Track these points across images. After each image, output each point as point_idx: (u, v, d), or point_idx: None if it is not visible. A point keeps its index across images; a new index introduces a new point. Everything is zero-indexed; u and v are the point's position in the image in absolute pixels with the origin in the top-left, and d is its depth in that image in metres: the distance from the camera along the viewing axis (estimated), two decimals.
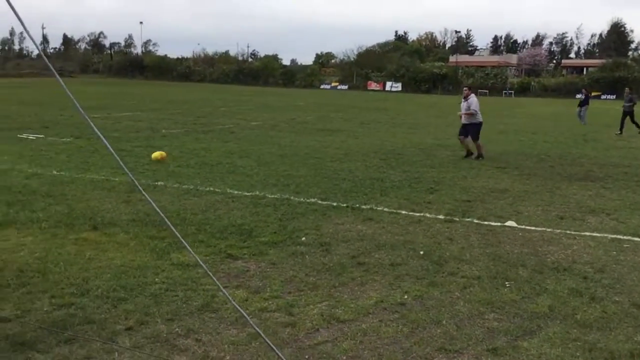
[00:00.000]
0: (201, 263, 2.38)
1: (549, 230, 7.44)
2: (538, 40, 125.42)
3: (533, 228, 7.51)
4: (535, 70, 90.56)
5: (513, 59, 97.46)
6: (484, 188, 10.14)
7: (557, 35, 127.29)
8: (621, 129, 21.84)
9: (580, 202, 9.23)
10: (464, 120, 13.84)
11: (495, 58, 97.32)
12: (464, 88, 14.44)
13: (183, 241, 2.42)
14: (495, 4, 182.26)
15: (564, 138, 20.01)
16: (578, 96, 28.17)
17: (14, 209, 7.53)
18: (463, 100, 14.08)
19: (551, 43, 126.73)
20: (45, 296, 4.77)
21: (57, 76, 2.27)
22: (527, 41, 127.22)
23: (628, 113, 22.72)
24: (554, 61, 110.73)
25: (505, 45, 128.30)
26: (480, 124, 13.84)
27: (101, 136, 2.15)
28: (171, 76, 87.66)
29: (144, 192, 2.29)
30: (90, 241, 6.31)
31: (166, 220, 2.41)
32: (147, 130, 18.09)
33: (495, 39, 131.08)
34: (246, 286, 5.19)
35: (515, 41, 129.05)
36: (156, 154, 12.03)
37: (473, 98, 13.86)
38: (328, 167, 12.04)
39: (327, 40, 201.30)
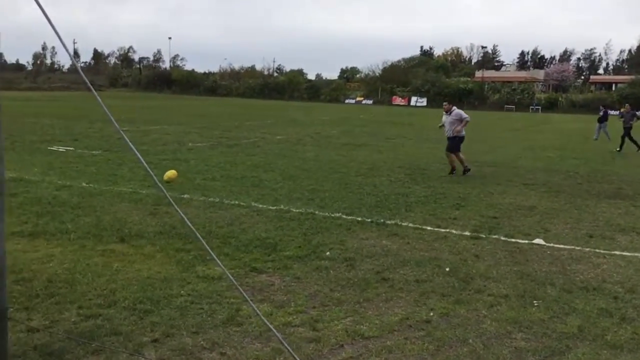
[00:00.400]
0: (229, 276, 2.39)
1: (577, 248, 7.30)
2: (566, 55, 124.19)
3: (561, 246, 7.38)
4: (562, 86, 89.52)
5: (540, 74, 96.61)
6: (511, 205, 10.02)
7: (586, 50, 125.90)
8: (621, 147, 21.46)
9: (610, 220, 9.05)
10: (449, 134, 13.58)
11: (522, 73, 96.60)
12: (444, 103, 14.36)
13: (213, 255, 2.44)
14: (523, 19, 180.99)
15: (592, 154, 19.69)
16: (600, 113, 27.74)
17: (43, 220, 7.67)
18: (445, 114, 13.86)
19: (579, 59, 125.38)
20: (73, 307, 4.83)
21: (94, 91, 2.33)
22: (554, 57, 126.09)
23: (628, 129, 22.20)
24: (582, 77, 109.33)
25: (532, 60, 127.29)
26: (463, 137, 13.71)
27: (134, 150, 2.19)
28: (198, 90, 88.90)
29: (175, 206, 2.32)
30: (117, 253, 6.39)
31: (196, 233, 2.44)
32: (174, 144, 18.31)
33: (522, 54, 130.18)
34: (270, 300, 5.20)
35: (543, 57, 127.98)
36: (169, 174, 10.90)
37: (458, 110, 13.79)
38: (353, 181, 12.03)
39: (352, 55, 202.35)
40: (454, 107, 13.81)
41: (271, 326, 2.51)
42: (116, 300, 4.99)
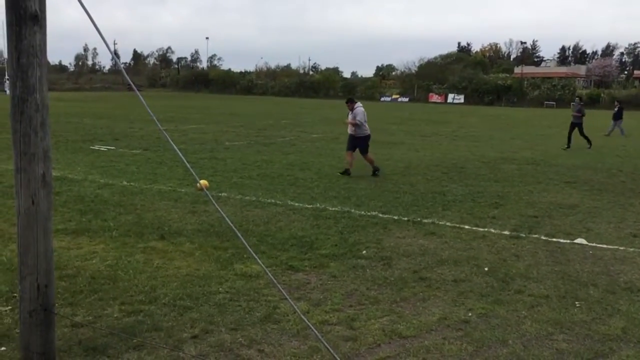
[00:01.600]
0: (267, 273, 2.42)
1: (621, 248, 7.11)
2: (608, 50, 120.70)
3: (604, 246, 7.20)
4: (605, 82, 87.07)
5: (582, 70, 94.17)
6: (552, 203, 9.81)
7: (629, 45, 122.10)
8: (569, 143, 19.92)
9: None
10: (350, 131, 12.86)
11: (563, 69, 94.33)
12: (347, 102, 13.22)
13: (252, 253, 2.46)
14: (563, 14, 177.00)
15: (636, 152, 19.11)
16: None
17: (86, 218, 7.88)
18: (350, 113, 12.92)
19: (622, 53, 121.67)
20: (115, 303, 4.95)
21: (136, 91, 2.38)
22: (596, 51, 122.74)
23: (576, 125, 20.55)
24: (626, 72, 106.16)
25: (573, 56, 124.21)
26: (367, 137, 12.86)
27: (176, 149, 2.23)
28: (234, 90, 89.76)
29: (216, 205, 2.36)
30: (158, 250, 6.52)
31: (236, 230, 2.47)
32: (212, 143, 18.55)
33: (563, 49, 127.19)
34: (307, 298, 5.22)
35: (584, 52, 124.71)
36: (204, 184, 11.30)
37: (359, 109, 12.78)
38: (389, 180, 11.97)
39: (388, 52, 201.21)
40: (357, 105, 12.84)
41: (309, 323, 2.53)
42: (157, 297, 5.09)
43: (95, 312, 4.77)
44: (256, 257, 2.55)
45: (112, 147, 16.34)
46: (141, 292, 5.21)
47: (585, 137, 20.34)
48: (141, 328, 4.45)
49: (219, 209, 2.39)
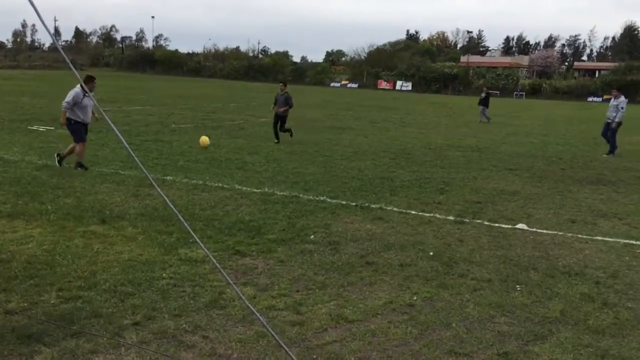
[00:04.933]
0: (212, 258, 2.34)
1: (560, 233, 7.35)
2: (550, 42, 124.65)
3: (544, 231, 7.43)
4: (546, 72, 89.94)
5: (525, 60, 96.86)
6: (495, 190, 10.06)
7: (570, 37, 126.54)
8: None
9: (592, 206, 9.12)
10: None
11: (507, 59, 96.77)
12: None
13: (195, 237, 2.37)
14: (508, 5, 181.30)
15: (576, 141, 19.86)
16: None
17: (22, 200, 7.53)
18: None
19: (564, 45, 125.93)
20: (52, 289, 4.75)
21: (74, 70, 2.23)
22: (539, 43, 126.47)
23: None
24: (566, 63, 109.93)
25: (517, 46, 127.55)
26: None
27: (116, 130, 2.11)
28: (181, 71, 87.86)
29: (158, 188, 2.25)
30: (98, 234, 6.29)
31: (179, 215, 2.37)
32: (157, 125, 18.09)
33: (507, 40, 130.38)
34: (254, 284, 5.15)
35: (528, 42, 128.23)
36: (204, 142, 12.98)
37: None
38: (337, 165, 11.98)
39: (338, 38, 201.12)
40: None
41: (254, 309, 2.46)
42: (96, 283, 4.91)
43: (31, 298, 4.56)
44: (199, 240, 2.46)
45: (52, 128, 15.69)
46: (80, 277, 5.01)
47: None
48: (79, 315, 4.28)
49: (159, 189, 2.29)
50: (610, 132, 16.10)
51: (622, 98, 16.20)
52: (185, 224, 2.35)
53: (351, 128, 20.42)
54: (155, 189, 8.62)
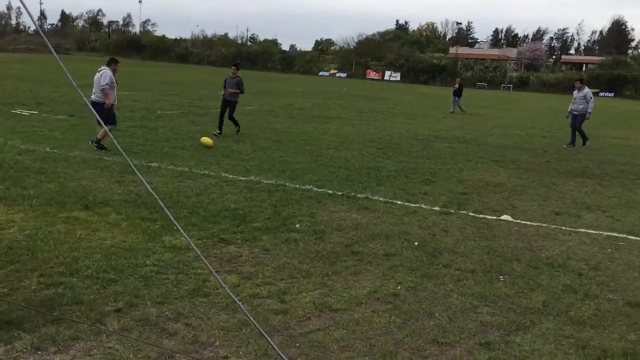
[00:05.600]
0: (193, 246, 2.30)
1: (544, 225, 7.40)
2: (539, 34, 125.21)
3: (528, 223, 7.47)
4: (534, 65, 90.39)
5: (513, 52, 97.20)
6: (481, 181, 10.09)
7: (558, 30, 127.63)
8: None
9: (576, 198, 9.19)
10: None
11: (495, 51, 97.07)
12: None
13: (176, 224, 2.34)
14: None
15: (561, 134, 19.96)
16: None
17: (4, 185, 7.42)
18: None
19: (551, 38, 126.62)
20: (33, 275, 4.69)
21: (54, 52, 2.18)
22: (527, 35, 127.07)
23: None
24: (554, 56, 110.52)
25: (505, 38, 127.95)
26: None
27: (95, 112, 2.07)
28: (169, 57, 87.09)
29: (139, 174, 2.21)
30: (81, 220, 6.22)
31: (160, 201, 2.34)
32: (143, 111, 17.93)
33: (496, 32, 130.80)
34: (238, 271, 5.13)
35: (516, 35, 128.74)
36: (207, 142, 11.80)
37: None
38: (324, 154, 11.95)
39: (327, 27, 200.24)
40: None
41: (235, 298, 2.44)
42: (78, 269, 4.85)
43: (11, 284, 4.49)
44: (179, 227, 2.42)
45: (35, 112, 15.47)
46: (62, 263, 4.95)
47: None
48: (60, 301, 4.23)
49: (142, 177, 2.24)
50: (578, 123, 16.05)
51: (587, 89, 16.18)
52: (166, 210, 2.31)
53: (339, 117, 20.38)
54: (140, 175, 8.56)
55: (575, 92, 16.33)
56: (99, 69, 10.92)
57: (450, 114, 25.52)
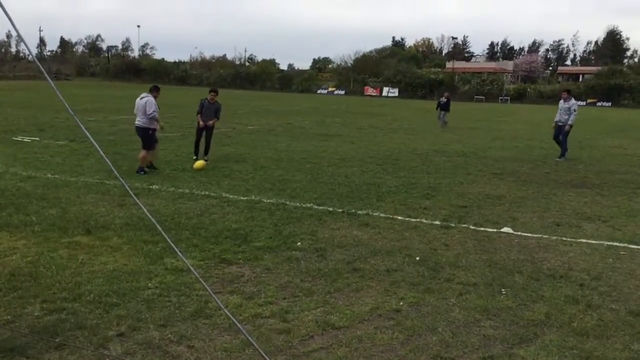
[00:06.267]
0: (191, 268, 2.33)
1: (545, 237, 7.41)
2: (534, 47, 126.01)
3: (529, 235, 7.48)
4: (531, 77, 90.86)
5: (509, 65, 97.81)
6: (480, 194, 10.12)
7: (554, 42, 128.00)
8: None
9: (577, 208, 9.21)
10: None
11: (492, 64, 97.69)
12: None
13: (174, 247, 2.37)
14: (492, 10, 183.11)
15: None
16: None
17: (7, 212, 7.46)
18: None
19: (547, 50, 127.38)
20: (36, 301, 4.70)
21: (47, 77, 2.23)
22: (523, 48, 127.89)
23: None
24: (550, 68, 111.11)
25: (501, 51, 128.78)
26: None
27: (89, 136, 2.11)
28: (168, 79, 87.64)
29: (133, 196, 2.25)
30: (83, 245, 6.25)
31: (156, 224, 2.37)
32: None
33: (492, 45, 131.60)
34: (240, 292, 5.14)
35: (512, 48, 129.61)
36: (199, 165, 11.61)
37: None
38: (324, 172, 12.00)
39: (324, 45, 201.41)
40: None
41: (235, 320, 2.46)
42: (81, 294, 4.87)
43: (15, 311, 4.51)
44: (177, 250, 2.45)
45: (37, 138, 15.57)
46: (64, 289, 4.97)
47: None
48: (63, 327, 4.24)
49: (137, 200, 2.28)
50: (562, 135, 15.74)
51: (573, 100, 15.95)
52: (162, 231, 2.34)
53: (338, 135, 20.47)
54: (141, 197, 8.57)
55: (561, 103, 16.07)
56: (141, 96, 11.46)
57: (441, 129, 25.43)
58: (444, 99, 27.25)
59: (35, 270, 5.39)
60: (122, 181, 2.23)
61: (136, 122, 11.39)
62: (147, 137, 11.13)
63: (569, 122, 15.60)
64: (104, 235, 6.65)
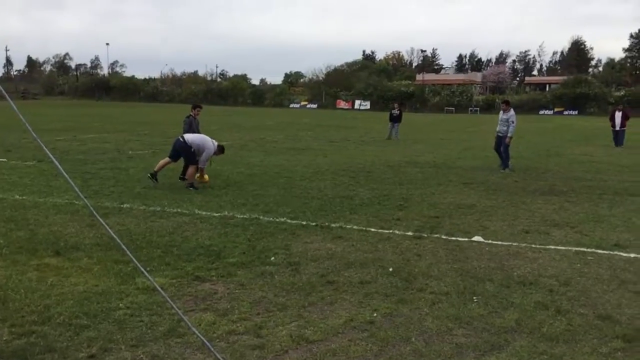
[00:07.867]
0: (158, 288, 2.33)
1: (514, 244, 7.53)
2: (502, 58, 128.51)
3: (499, 243, 7.60)
4: (499, 88, 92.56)
5: (478, 76, 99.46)
6: (452, 204, 10.25)
7: (520, 53, 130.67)
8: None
9: (545, 216, 9.38)
10: None
11: (461, 76, 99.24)
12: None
13: (139, 266, 2.36)
14: (460, 24, 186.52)
15: (528, 153, 20.41)
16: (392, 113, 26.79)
17: None
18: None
19: (514, 61, 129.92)
20: (4, 325, 4.60)
21: (6, 95, 2.22)
22: (491, 59, 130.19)
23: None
24: (518, 78, 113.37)
25: (470, 63, 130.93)
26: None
27: (50, 155, 2.10)
28: (138, 97, 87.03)
29: (98, 217, 2.24)
30: (52, 267, 6.14)
31: (120, 243, 2.36)
32: (114, 152, 17.83)
33: (460, 57, 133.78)
34: (214, 309, 5.11)
35: (480, 59, 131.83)
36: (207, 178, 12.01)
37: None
38: (297, 185, 12.02)
39: (296, 60, 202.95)
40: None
41: (204, 339, 2.46)
42: (50, 316, 4.79)
43: None
44: (143, 269, 2.45)
45: (3, 160, 15.28)
46: (33, 312, 4.88)
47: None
48: (33, 351, 4.16)
49: (101, 221, 2.27)
50: (503, 146, 15.61)
51: (512, 112, 15.73)
52: (127, 251, 2.34)
53: (311, 148, 20.54)
54: (112, 217, 8.46)
55: (500, 114, 15.98)
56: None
57: (387, 140, 25.24)
58: (396, 111, 26.38)
59: (4, 294, 5.28)
60: (86, 201, 2.22)
61: (181, 139, 11.92)
62: (190, 153, 11.59)
63: (508, 135, 15.41)
64: (73, 256, 6.55)
